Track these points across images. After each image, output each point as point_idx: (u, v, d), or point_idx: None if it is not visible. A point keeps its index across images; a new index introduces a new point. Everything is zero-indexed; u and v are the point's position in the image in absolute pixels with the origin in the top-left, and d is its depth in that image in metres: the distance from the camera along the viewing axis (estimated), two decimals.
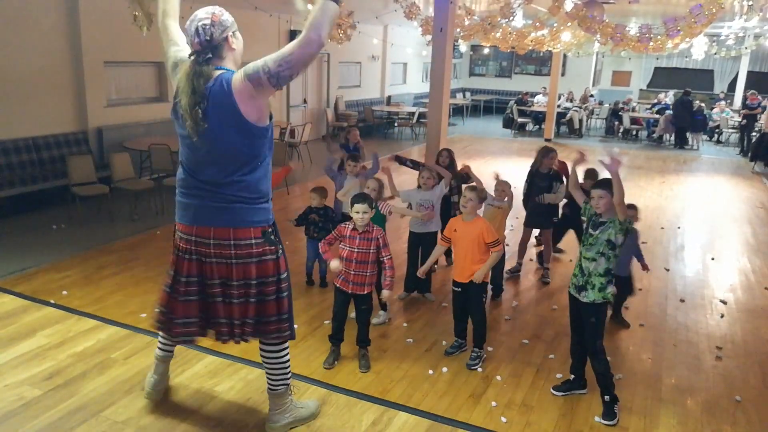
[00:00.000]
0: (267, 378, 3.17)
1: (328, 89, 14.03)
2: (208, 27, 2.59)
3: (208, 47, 2.61)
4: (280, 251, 2.94)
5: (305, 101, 13.38)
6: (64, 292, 4.88)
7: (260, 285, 2.86)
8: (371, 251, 3.70)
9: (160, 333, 3.24)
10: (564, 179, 5.29)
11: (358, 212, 3.61)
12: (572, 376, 3.74)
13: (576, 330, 3.65)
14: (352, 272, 3.73)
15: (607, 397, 3.48)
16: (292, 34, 11.92)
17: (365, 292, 3.81)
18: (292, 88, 12.74)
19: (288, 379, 3.18)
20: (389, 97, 16.65)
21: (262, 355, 3.13)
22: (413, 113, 14.93)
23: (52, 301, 4.71)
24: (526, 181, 5.52)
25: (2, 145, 7.05)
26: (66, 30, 7.67)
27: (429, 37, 8.40)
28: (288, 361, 3.15)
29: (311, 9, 2.42)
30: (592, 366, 3.55)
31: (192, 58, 2.63)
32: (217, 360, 3.92)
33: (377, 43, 15.20)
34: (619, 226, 3.36)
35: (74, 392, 3.48)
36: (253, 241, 2.79)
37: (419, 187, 4.94)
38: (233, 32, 2.70)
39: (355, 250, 3.69)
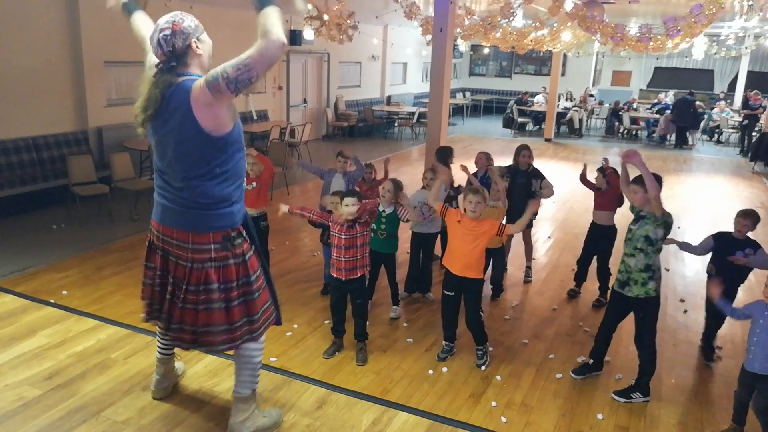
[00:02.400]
0: (236, 379, 3.11)
1: (328, 89, 14.03)
2: (169, 37, 2.58)
3: (172, 57, 2.61)
4: (248, 254, 2.88)
5: (305, 101, 13.38)
6: (64, 292, 4.88)
7: (226, 290, 2.81)
8: (358, 236, 3.86)
9: (157, 336, 3.33)
10: (543, 176, 5.32)
11: (347, 205, 3.78)
12: (591, 360, 3.89)
13: (609, 322, 3.81)
14: (344, 259, 3.87)
15: (633, 382, 3.72)
16: (292, 34, 11.91)
17: (358, 276, 3.92)
18: (292, 88, 12.74)
19: (256, 382, 3.14)
20: (389, 97, 16.65)
21: (236, 353, 3.06)
22: (413, 113, 14.93)
23: (52, 301, 4.71)
24: (507, 177, 5.44)
25: (2, 145, 7.05)
26: (66, 30, 7.67)
27: (429, 37, 8.39)
28: (260, 362, 3.10)
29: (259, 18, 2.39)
30: (639, 355, 3.74)
31: (157, 67, 2.65)
32: (217, 360, 3.92)
33: (377, 43, 15.20)
34: (655, 221, 3.45)
35: (74, 392, 3.48)
36: (212, 246, 2.76)
37: (423, 187, 4.97)
38: (197, 37, 2.67)
39: (343, 236, 3.83)
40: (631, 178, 3.72)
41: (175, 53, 2.60)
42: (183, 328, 2.84)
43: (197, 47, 2.67)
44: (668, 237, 3.79)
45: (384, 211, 4.47)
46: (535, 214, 5.46)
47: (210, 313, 2.79)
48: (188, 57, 2.65)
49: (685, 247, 4.11)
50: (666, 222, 3.50)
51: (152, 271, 2.95)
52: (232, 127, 2.66)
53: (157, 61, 2.67)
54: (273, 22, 2.37)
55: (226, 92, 2.46)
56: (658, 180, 3.76)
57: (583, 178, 5.30)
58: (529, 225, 5.46)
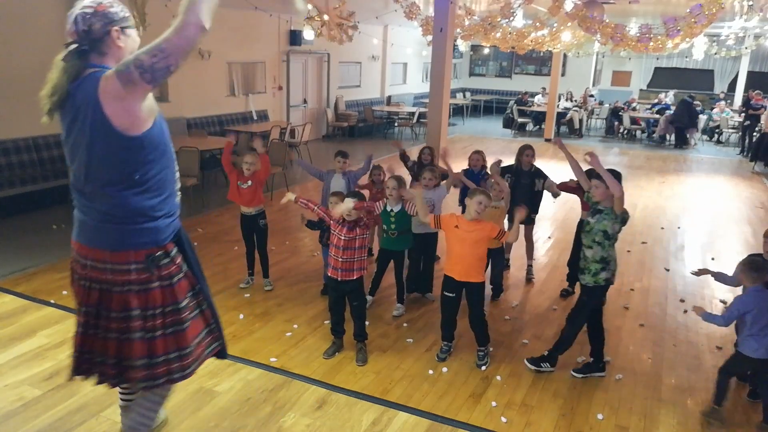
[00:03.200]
0: (131, 415, 2.70)
1: (328, 89, 14.03)
2: (89, 16, 2.24)
3: (86, 39, 2.25)
4: (177, 277, 2.46)
5: (305, 101, 13.38)
6: (64, 292, 4.88)
7: (144, 318, 2.40)
8: (357, 238, 3.85)
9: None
10: (546, 175, 5.35)
11: (348, 206, 3.77)
12: (591, 359, 3.94)
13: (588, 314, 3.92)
14: (341, 259, 3.86)
15: (546, 353, 3.97)
16: (292, 34, 11.91)
17: (354, 278, 3.91)
18: (292, 89, 12.73)
19: (153, 425, 2.78)
20: (389, 97, 16.65)
21: (137, 399, 2.68)
22: (413, 113, 14.93)
23: (52, 301, 4.71)
24: (510, 177, 5.44)
25: (2, 145, 7.05)
26: (66, 30, 7.67)
27: (429, 37, 8.40)
28: (158, 414, 2.76)
29: None
30: (564, 328, 3.94)
31: (67, 48, 2.26)
32: (217, 360, 3.91)
33: (377, 43, 15.20)
34: (614, 218, 3.62)
35: (74, 392, 3.47)
36: (133, 267, 2.36)
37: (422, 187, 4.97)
38: (122, 28, 2.31)
39: (342, 237, 3.83)
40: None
41: (89, 36, 2.25)
42: (105, 361, 2.44)
43: (118, 38, 2.30)
44: (701, 268, 3.91)
45: (392, 210, 4.48)
46: (536, 212, 5.50)
47: (130, 343, 2.40)
48: (105, 45, 2.28)
49: (720, 278, 3.85)
50: (623, 218, 3.71)
51: (77, 302, 2.52)
52: (151, 126, 2.29)
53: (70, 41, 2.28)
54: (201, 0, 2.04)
55: (140, 83, 2.10)
56: (618, 177, 3.88)
57: (564, 187, 5.02)
58: (530, 222, 5.50)
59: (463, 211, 4.96)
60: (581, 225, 5.18)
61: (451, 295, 3.98)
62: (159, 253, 2.40)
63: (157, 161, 2.33)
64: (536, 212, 5.50)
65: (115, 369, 2.44)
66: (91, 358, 2.46)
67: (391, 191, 4.43)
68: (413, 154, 5.72)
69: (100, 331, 2.42)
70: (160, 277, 2.41)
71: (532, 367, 3.93)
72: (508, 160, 5.61)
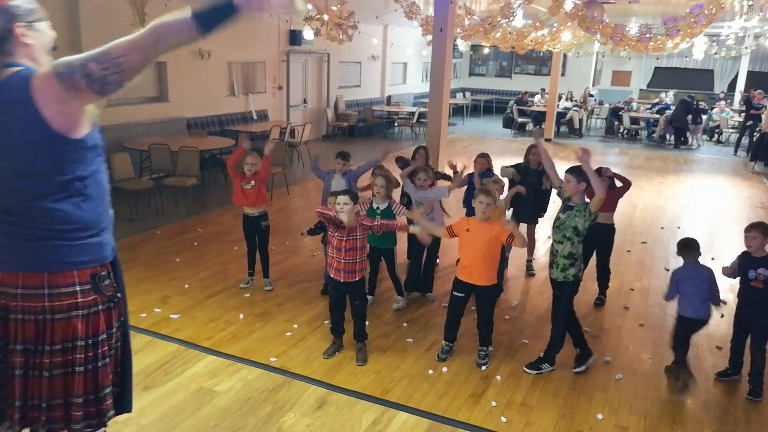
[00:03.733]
0: None
1: (328, 89, 14.03)
2: None
3: None
4: (114, 300, 2.21)
5: (305, 101, 13.38)
6: None
7: (91, 347, 2.11)
8: (358, 237, 3.83)
9: None
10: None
11: (339, 203, 3.77)
12: (577, 350, 3.97)
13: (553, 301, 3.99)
14: (343, 260, 3.85)
15: (542, 354, 3.96)
16: (292, 34, 11.91)
17: (356, 279, 3.90)
18: (292, 88, 12.73)
19: None
20: (389, 97, 16.65)
21: None
22: (413, 113, 14.93)
23: None
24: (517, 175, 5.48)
25: None
26: (66, 30, 7.67)
27: (429, 37, 8.41)
28: None
29: (174, 13, 1.86)
30: (551, 329, 3.96)
31: None
32: (217, 360, 3.93)
33: (377, 43, 15.20)
34: (588, 215, 3.68)
35: None
36: (78, 288, 2.07)
37: (417, 187, 4.96)
38: (29, 22, 2.05)
39: (344, 238, 3.80)
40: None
41: None
42: (52, 403, 2.09)
43: (23, 34, 2.04)
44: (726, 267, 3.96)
45: (378, 207, 4.50)
46: (544, 210, 5.51)
47: (70, 378, 2.09)
48: (10, 44, 2.03)
49: (727, 271, 3.96)
50: (594, 216, 3.79)
51: None
52: (91, 127, 2.08)
53: None
54: (178, 35, 1.85)
55: (86, 92, 1.90)
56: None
57: None
58: (534, 222, 5.52)
59: (467, 212, 5.01)
60: (593, 226, 5.21)
61: (460, 295, 3.98)
62: (103, 272, 2.15)
63: (97, 164, 2.12)
64: (544, 211, 5.52)
65: (20, 412, 2.07)
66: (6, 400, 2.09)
67: (379, 189, 4.47)
68: (409, 155, 5.72)
69: (46, 370, 2.07)
70: (104, 299, 2.16)
71: (533, 372, 3.91)
72: (507, 160, 5.62)
